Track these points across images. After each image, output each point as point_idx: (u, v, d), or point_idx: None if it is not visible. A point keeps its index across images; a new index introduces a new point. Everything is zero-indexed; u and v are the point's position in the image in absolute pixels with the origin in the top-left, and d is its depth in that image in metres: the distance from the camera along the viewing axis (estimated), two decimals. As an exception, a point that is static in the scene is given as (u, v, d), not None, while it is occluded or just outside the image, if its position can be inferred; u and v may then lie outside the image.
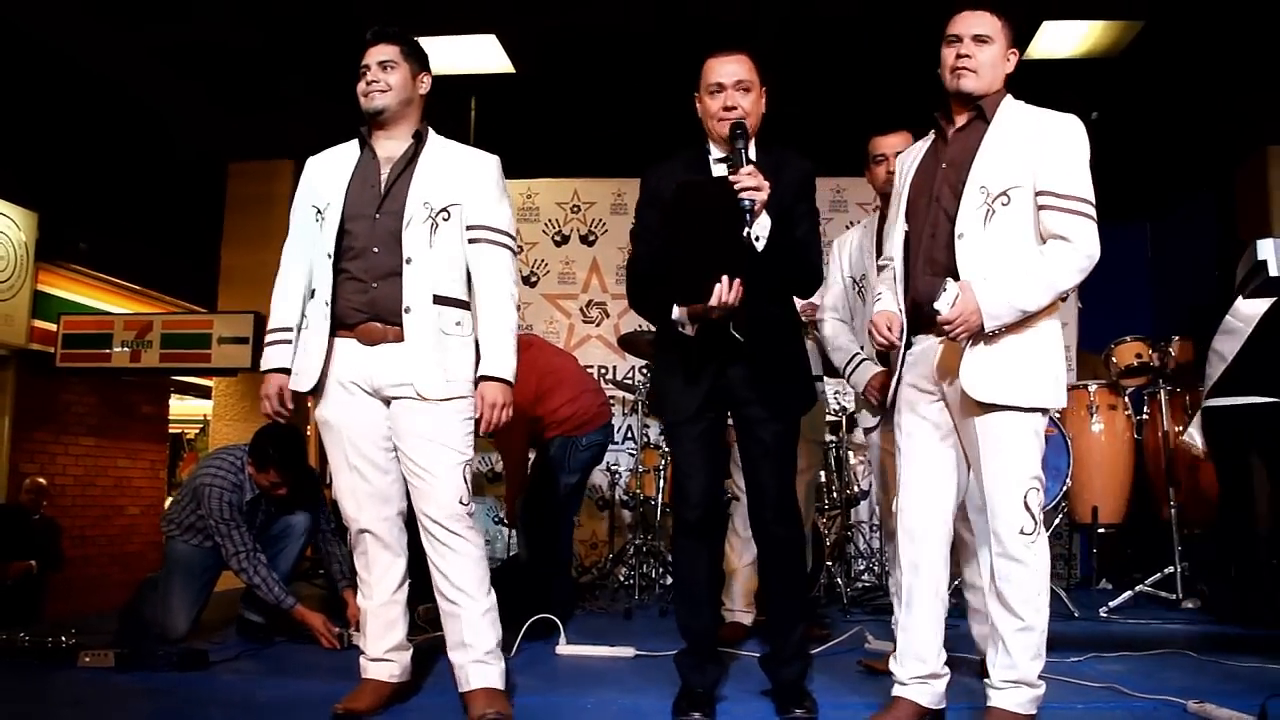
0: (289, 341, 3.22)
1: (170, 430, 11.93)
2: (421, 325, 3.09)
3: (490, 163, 3.26)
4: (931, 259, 2.92)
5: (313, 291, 3.19)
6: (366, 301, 3.11)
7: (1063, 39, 6.28)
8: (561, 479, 4.80)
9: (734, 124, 3.07)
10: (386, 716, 3.14)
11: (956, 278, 2.80)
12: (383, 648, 3.22)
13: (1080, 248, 2.76)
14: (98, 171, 8.42)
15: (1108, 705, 3.26)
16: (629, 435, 7.42)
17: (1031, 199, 2.81)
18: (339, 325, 3.14)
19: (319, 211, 3.18)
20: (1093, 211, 2.79)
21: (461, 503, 3.10)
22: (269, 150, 8.01)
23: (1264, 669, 3.81)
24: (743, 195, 2.97)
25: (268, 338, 3.27)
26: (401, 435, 3.13)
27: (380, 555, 3.22)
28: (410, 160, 3.18)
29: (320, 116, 6.98)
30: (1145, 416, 5.83)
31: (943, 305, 2.73)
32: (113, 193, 8.71)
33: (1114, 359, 5.82)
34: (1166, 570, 5.58)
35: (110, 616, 4.96)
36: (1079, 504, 5.88)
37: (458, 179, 3.18)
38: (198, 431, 14.39)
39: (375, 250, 3.11)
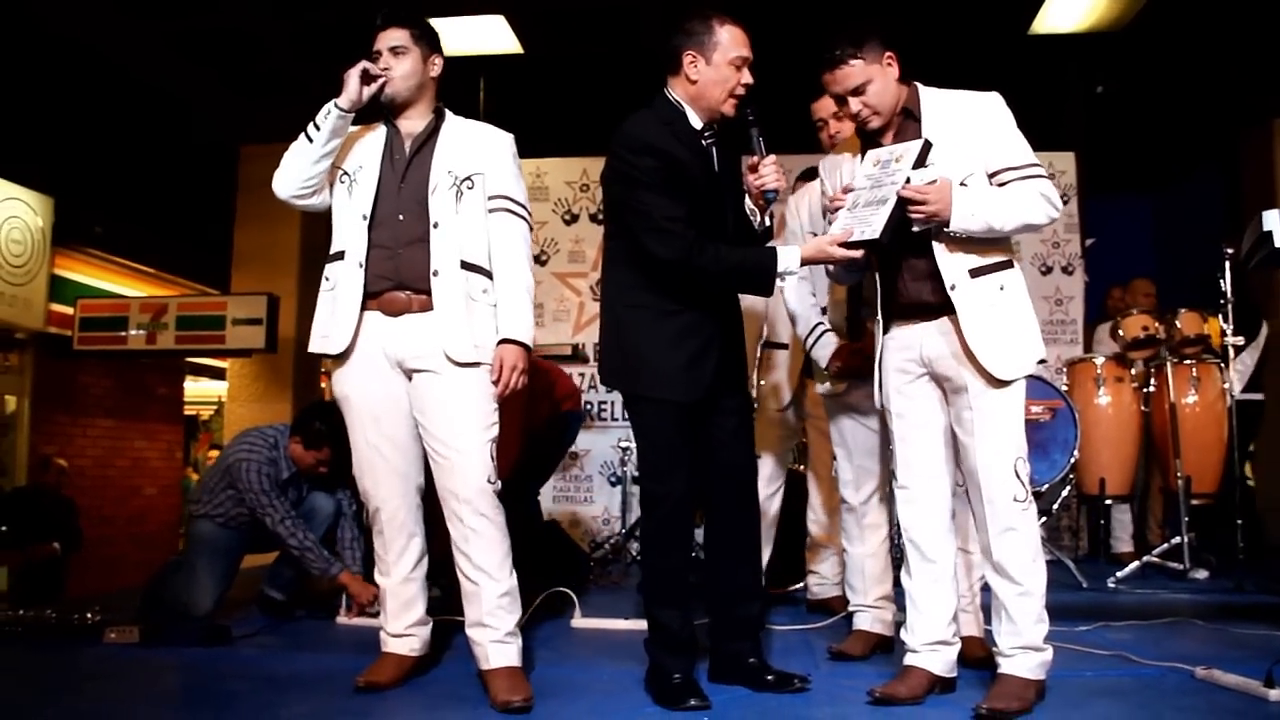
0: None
1: (185, 412, 12.00)
2: (450, 289, 3.10)
3: (507, 139, 3.29)
4: (905, 254, 2.96)
5: (341, 253, 3.18)
6: (392, 268, 3.12)
7: (1067, 13, 6.27)
8: (565, 452, 4.84)
9: (744, 106, 3.08)
10: (407, 689, 3.18)
11: (928, 270, 2.91)
12: (403, 624, 3.25)
13: (1051, 198, 2.87)
14: (112, 156, 8.47)
15: (1116, 672, 3.30)
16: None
17: (985, 179, 2.89)
18: (367, 294, 3.13)
19: (348, 174, 3.20)
20: (1045, 173, 2.90)
21: (489, 480, 3.10)
22: (280, 134, 8.00)
23: (1272, 636, 3.85)
24: (768, 186, 3.06)
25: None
26: (426, 409, 3.13)
27: (398, 534, 3.23)
28: (431, 133, 3.22)
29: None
30: (1152, 389, 5.85)
31: (917, 177, 2.78)
32: (127, 177, 8.77)
33: (1121, 331, 5.83)
34: (1174, 540, 5.59)
35: (131, 594, 4.99)
36: (1086, 476, 5.90)
37: (478, 151, 3.22)
38: (212, 413, 14.46)
39: (401, 217, 3.14)
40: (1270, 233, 2.83)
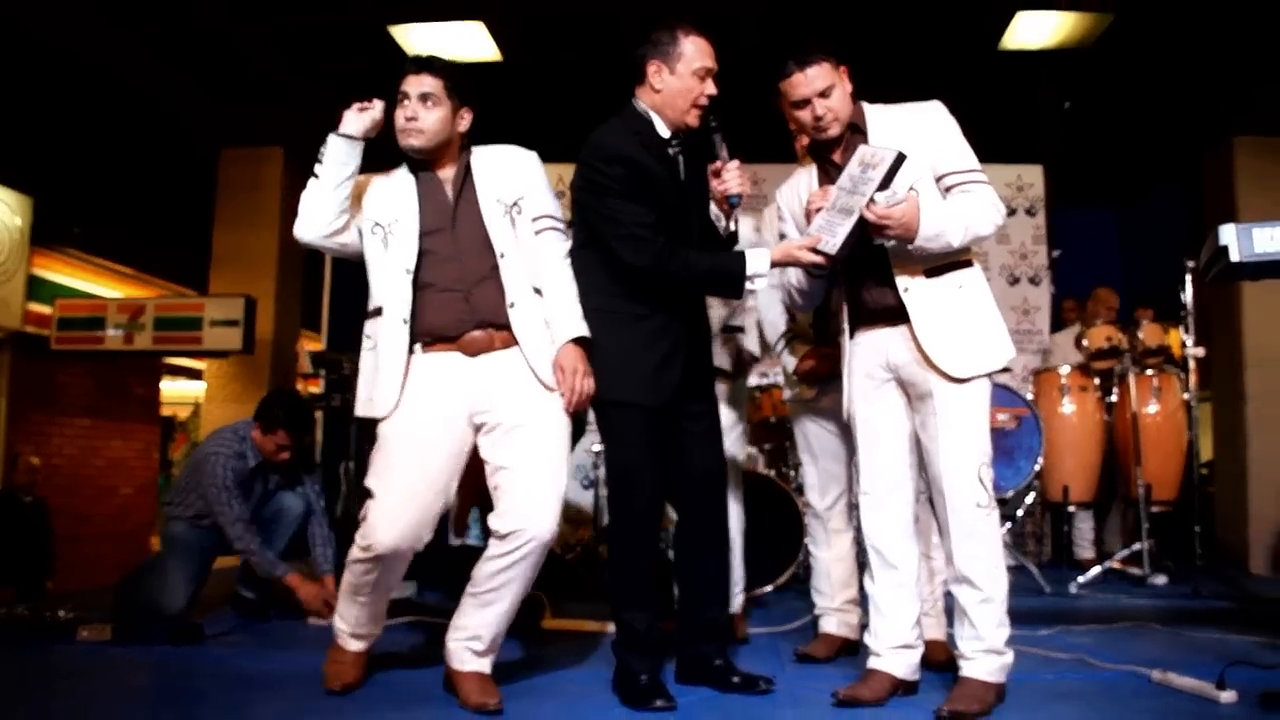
0: None
1: (162, 412, 11.97)
2: (529, 317, 3.05)
3: (534, 158, 3.23)
4: (867, 260, 2.99)
5: (379, 310, 3.07)
6: (468, 310, 3.03)
7: (1036, 30, 6.33)
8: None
9: (708, 115, 3.12)
10: (373, 688, 3.20)
11: (891, 275, 2.96)
12: (363, 628, 3.21)
13: (997, 206, 2.94)
14: (91, 157, 8.44)
15: (1075, 675, 3.35)
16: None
17: (934, 185, 2.94)
18: (433, 340, 3.03)
19: (381, 226, 3.09)
20: (987, 179, 2.97)
21: (552, 531, 2.99)
22: (260, 137, 8.04)
23: (1225, 639, 3.92)
24: (731, 191, 3.11)
25: None
26: (509, 437, 3.00)
27: (390, 579, 3.13)
28: (467, 170, 3.14)
29: (310, 103, 7.07)
30: (1115, 398, 5.94)
31: (882, 199, 2.79)
32: (106, 178, 8.73)
33: (1085, 342, 5.92)
34: (1135, 546, 5.67)
35: (105, 592, 4.94)
36: (1050, 483, 5.98)
37: (515, 175, 3.17)
38: (189, 413, 14.42)
39: (462, 260, 3.05)
40: (1226, 247, 2.90)
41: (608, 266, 3.08)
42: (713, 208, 3.22)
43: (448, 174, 3.14)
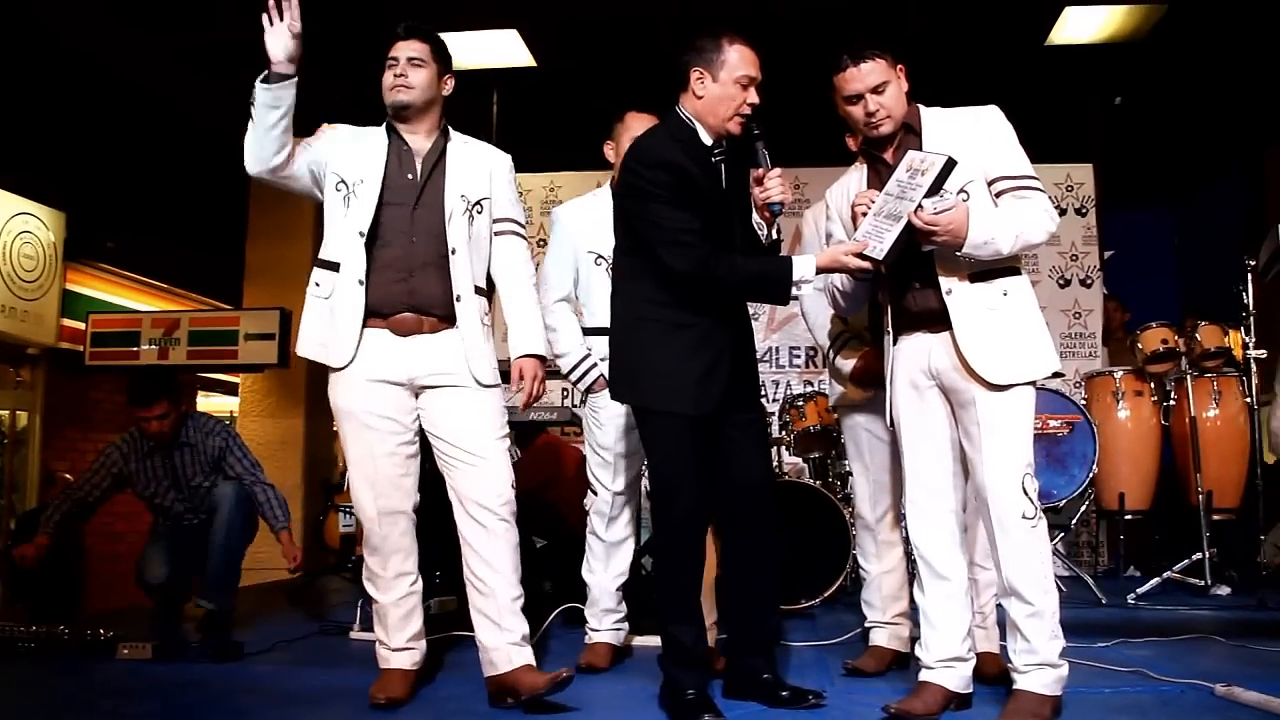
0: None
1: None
2: (471, 314, 3.19)
3: (508, 161, 3.38)
4: (911, 263, 2.95)
5: (335, 264, 3.18)
6: (405, 291, 3.15)
7: (1085, 24, 6.24)
8: None
9: (751, 123, 3.09)
10: (415, 704, 3.17)
11: (936, 278, 2.92)
12: (404, 638, 3.25)
13: (1051, 214, 2.90)
14: (124, 170, 8.46)
15: (1134, 689, 3.26)
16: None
17: (985, 189, 2.91)
18: (370, 314, 3.16)
19: (345, 184, 3.19)
20: (1041, 186, 2.94)
21: (511, 486, 3.17)
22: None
23: (1293, 653, 3.80)
24: (773, 199, 3.08)
25: None
26: (447, 420, 3.17)
27: (395, 550, 3.23)
28: (441, 154, 3.25)
29: (344, 113, 7.04)
30: (1172, 402, 5.80)
31: (930, 205, 2.76)
32: (139, 191, 8.75)
33: (1140, 345, 5.78)
34: (1195, 556, 5.54)
35: (142, 611, 5.10)
36: (1105, 491, 5.85)
37: (485, 174, 3.30)
38: (224, 428, 14.46)
39: (413, 240, 3.17)
40: (1287, 244, 2.81)
41: (652, 274, 3.05)
42: (755, 215, 3.19)
43: (421, 146, 3.25)
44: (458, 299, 3.17)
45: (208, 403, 13.12)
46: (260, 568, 5.96)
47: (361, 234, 3.13)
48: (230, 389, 11.68)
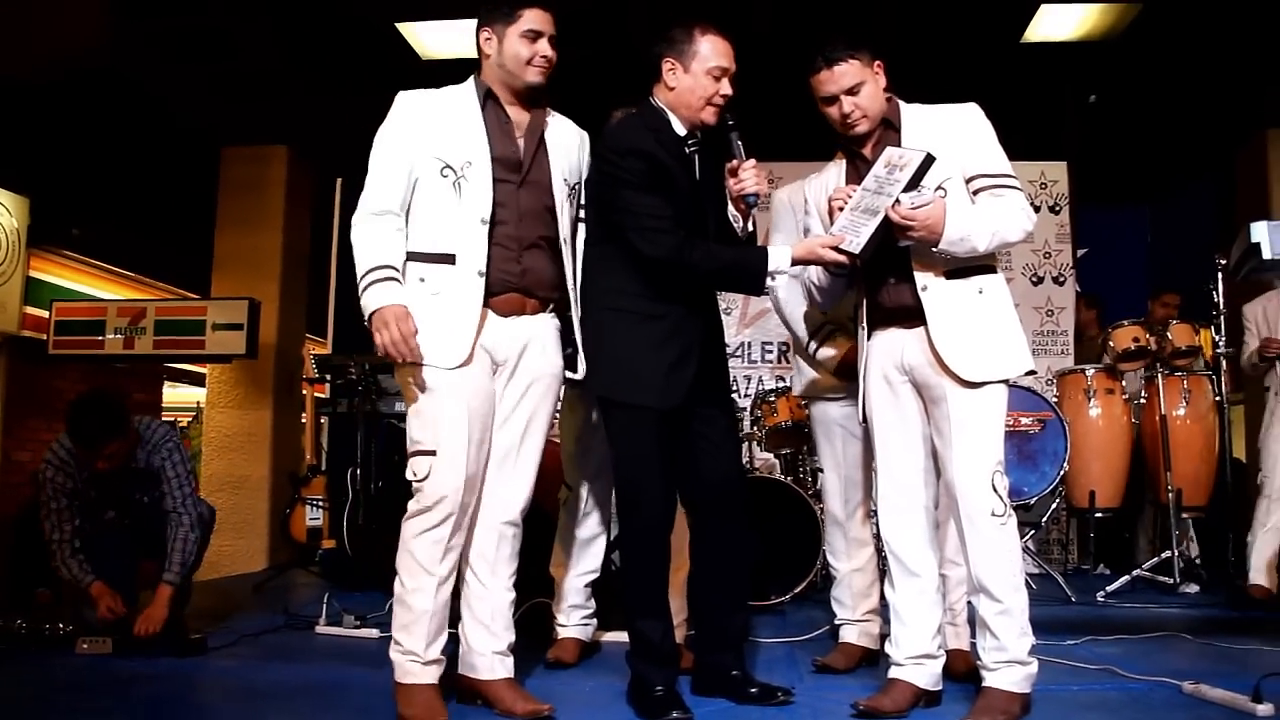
0: (398, 280, 2.88)
1: (164, 418, 11.88)
2: (571, 304, 3.11)
3: (587, 141, 3.25)
4: (887, 259, 2.94)
5: (451, 256, 2.91)
6: (519, 271, 2.98)
7: (1061, 22, 6.23)
8: None
9: (724, 115, 3.08)
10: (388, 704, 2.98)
11: (911, 274, 2.92)
12: (439, 648, 2.94)
13: (1028, 212, 2.92)
14: (89, 156, 8.34)
15: (1103, 686, 3.29)
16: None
17: (963, 186, 2.92)
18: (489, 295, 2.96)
19: (452, 169, 2.93)
20: (1019, 185, 2.95)
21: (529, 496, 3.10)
22: (263, 135, 7.96)
23: (1260, 651, 3.85)
24: (748, 190, 3.06)
25: (375, 274, 2.86)
26: (523, 414, 3.04)
27: (458, 542, 2.93)
28: (542, 138, 3.07)
29: (316, 101, 6.97)
30: (1143, 400, 5.83)
31: (907, 200, 2.77)
32: (105, 178, 8.64)
33: (1111, 343, 5.81)
34: (1164, 555, 5.59)
35: None
36: (1076, 488, 5.88)
37: (579, 159, 3.19)
38: (191, 419, 14.34)
39: (521, 219, 2.99)
40: (1258, 244, 2.80)
41: (623, 263, 3.03)
42: (730, 207, 3.17)
43: (520, 118, 3.06)
44: (573, 287, 3.11)
45: (174, 393, 13.03)
46: (224, 562, 5.88)
47: (484, 221, 2.91)
48: (197, 380, 11.59)
